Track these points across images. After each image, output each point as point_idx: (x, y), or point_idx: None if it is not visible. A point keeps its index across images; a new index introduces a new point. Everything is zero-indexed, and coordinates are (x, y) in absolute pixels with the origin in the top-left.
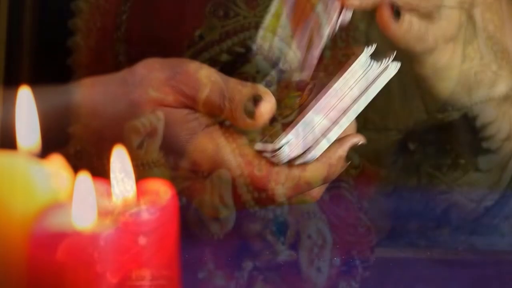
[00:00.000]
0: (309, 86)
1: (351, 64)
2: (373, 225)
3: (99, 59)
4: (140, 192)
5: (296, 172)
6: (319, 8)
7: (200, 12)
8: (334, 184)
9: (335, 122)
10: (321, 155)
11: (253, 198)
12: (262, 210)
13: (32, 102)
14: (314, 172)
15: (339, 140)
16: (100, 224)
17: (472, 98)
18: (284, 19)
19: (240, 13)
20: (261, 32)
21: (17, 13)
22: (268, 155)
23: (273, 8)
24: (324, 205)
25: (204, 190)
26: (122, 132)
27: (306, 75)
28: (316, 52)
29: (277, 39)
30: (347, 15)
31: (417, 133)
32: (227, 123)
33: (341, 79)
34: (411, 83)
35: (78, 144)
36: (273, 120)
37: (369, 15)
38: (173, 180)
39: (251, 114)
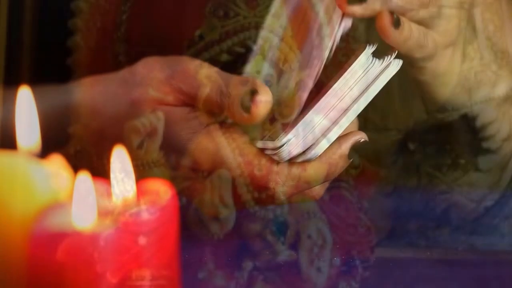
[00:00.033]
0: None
1: (351, 64)
2: (373, 225)
3: (99, 59)
4: (140, 192)
5: (296, 171)
6: (319, 8)
7: (200, 12)
8: (334, 184)
9: (335, 122)
10: (321, 154)
11: (253, 198)
12: (262, 210)
13: (32, 102)
14: (314, 172)
15: (341, 138)
16: (100, 224)
17: (472, 98)
18: (284, 19)
19: (240, 13)
20: (261, 32)
21: (17, 13)
22: (269, 152)
23: (273, 8)
24: (324, 205)
25: (204, 190)
26: (122, 132)
27: (306, 75)
28: (316, 53)
29: (277, 39)
30: (347, 23)
31: (417, 133)
32: (229, 120)
33: (341, 79)
34: (411, 83)
35: (78, 144)
36: (273, 120)
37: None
38: (173, 180)
39: (247, 109)
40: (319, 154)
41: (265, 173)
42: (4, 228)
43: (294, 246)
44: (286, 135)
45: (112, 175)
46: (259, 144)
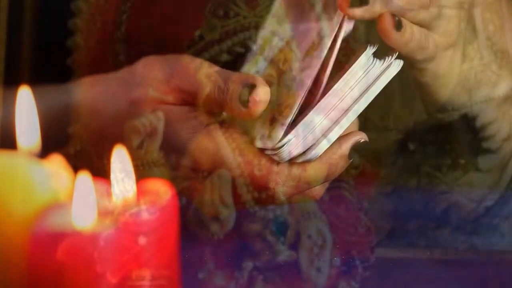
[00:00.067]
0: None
1: (352, 64)
2: (373, 225)
3: (99, 59)
4: (140, 192)
5: (296, 171)
6: (319, 8)
7: (200, 12)
8: (334, 184)
9: (335, 122)
10: (321, 154)
11: (253, 198)
12: (262, 210)
13: (32, 102)
14: (315, 172)
15: (341, 138)
16: (100, 224)
17: (472, 98)
18: (284, 19)
19: (240, 13)
20: (261, 32)
21: (17, 13)
22: (269, 152)
23: (273, 8)
24: (324, 205)
25: (204, 190)
26: (122, 132)
27: (306, 75)
28: (316, 53)
29: (277, 39)
30: (349, 25)
31: (417, 133)
32: (227, 118)
33: (341, 79)
34: (411, 83)
35: (78, 144)
36: (273, 120)
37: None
38: (173, 180)
39: (245, 103)
40: (319, 155)
41: (265, 173)
42: (4, 228)
43: (294, 246)
44: (286, 135)
45: (112, 175)
46: (259, 144)
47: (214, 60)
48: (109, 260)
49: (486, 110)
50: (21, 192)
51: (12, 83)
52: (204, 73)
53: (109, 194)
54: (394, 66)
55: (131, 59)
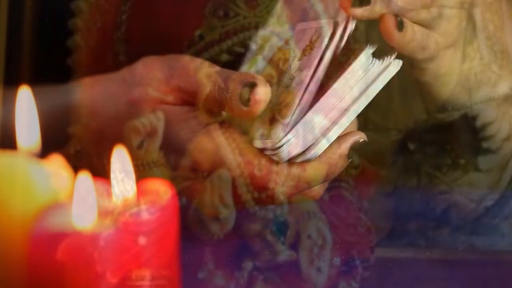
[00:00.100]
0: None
1: (351, 64)
2: (373, 225)
3: (99, 59)
4: (140, 192)
5: (296, 171)
6: (319, 8)
7: (200, 12)
8: (334, 184)
9: (335, 122)
10: (321, 154)
11: (253, 198)
12: (262, 210)
13: (32, 102)
14: (314, 172)
15: (340, 138)
16: (100, 224)
17: (472, 98)
18: (284, 19)
19: (240, 13)
20: (261, 32)
21: (17, 13)
22: (268, 152)
23: (273, 8)
24: (324, 205)
25: (204, 190)
26: (122, 132)
27: (305, 75)
28: (316, 53)
29: (276, 38)
30: (351, 25)
31: (417, 133)
32: (227, 118)
33: (341, 79)
34: (411, 83)
35: (78, 144)
36: (273, 120)
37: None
38: (173, 180)
39: (246, 102)
40: (318, 154)
41: (265, 173)
42: (4, 228)
43: (294, 246)
44: (286, 135)
45: (112, 175)
46: (259, 144)
47: (214, 60)
48: (109, 260)
49: (486, 110)
50: (21, 192)
51: (12, 83)
52: (204, 73)
53: (109, 194)
54: (394, 65)
55: (131, 59)
